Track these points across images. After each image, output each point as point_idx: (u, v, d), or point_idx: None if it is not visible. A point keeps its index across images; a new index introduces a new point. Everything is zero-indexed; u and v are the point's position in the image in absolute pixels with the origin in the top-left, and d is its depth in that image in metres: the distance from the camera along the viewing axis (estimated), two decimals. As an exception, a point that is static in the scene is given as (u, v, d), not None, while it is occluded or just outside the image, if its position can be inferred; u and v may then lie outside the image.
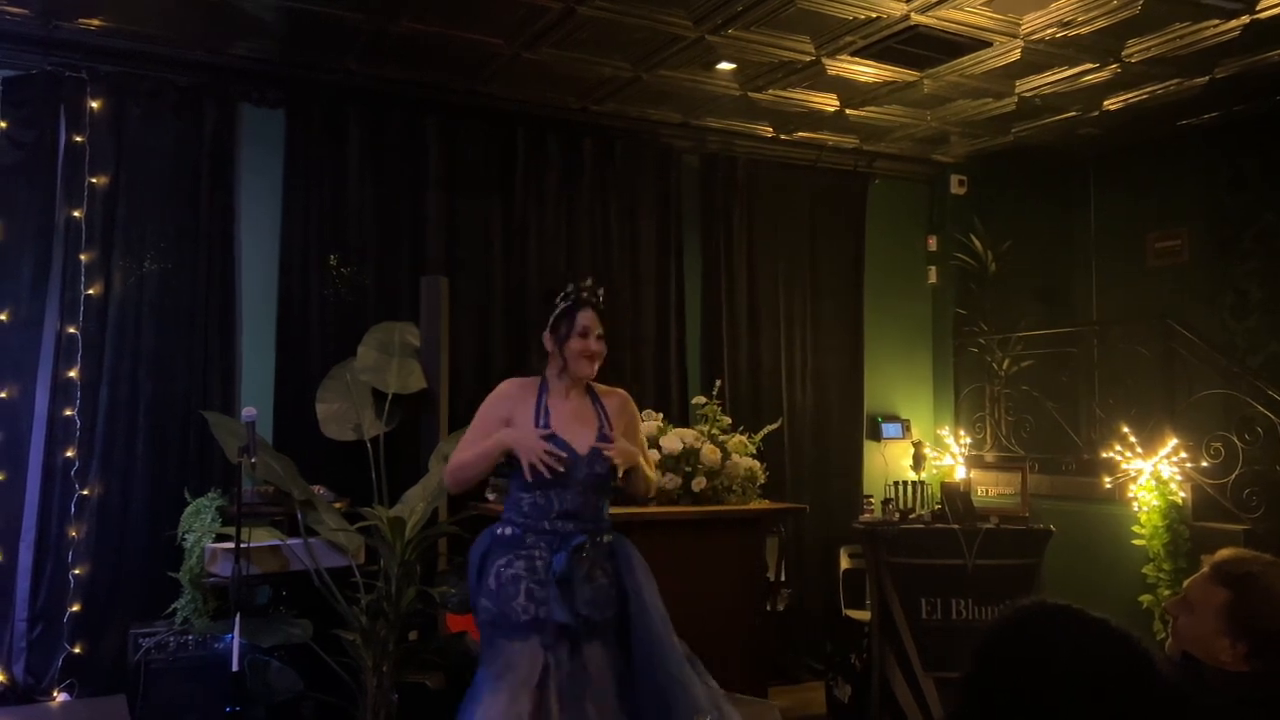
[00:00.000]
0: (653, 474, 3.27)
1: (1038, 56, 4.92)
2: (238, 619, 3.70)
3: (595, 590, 2.97)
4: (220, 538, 4.47)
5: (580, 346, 3.07)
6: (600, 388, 3.23)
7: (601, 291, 3.17)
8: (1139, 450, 5.48)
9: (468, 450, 3.05)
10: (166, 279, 4.92)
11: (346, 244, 5.32)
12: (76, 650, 4.60)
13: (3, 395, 4.58)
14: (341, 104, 5.32)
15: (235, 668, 3.77)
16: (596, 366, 3.12)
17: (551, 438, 2.97)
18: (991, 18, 4.51)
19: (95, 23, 4.61)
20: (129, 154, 4.86)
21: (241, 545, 3.80)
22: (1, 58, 4.68)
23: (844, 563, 5.77)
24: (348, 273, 5.22)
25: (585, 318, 3.08)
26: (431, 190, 5.50)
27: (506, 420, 3.06)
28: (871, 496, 5.77)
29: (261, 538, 4.38)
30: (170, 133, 4.96)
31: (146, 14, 4.56)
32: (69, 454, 4.67)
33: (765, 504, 5.21)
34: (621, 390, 3.31)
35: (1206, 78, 5.16)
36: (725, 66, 5.10)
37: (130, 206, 4.86)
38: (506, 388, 3.16)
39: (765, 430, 5.36)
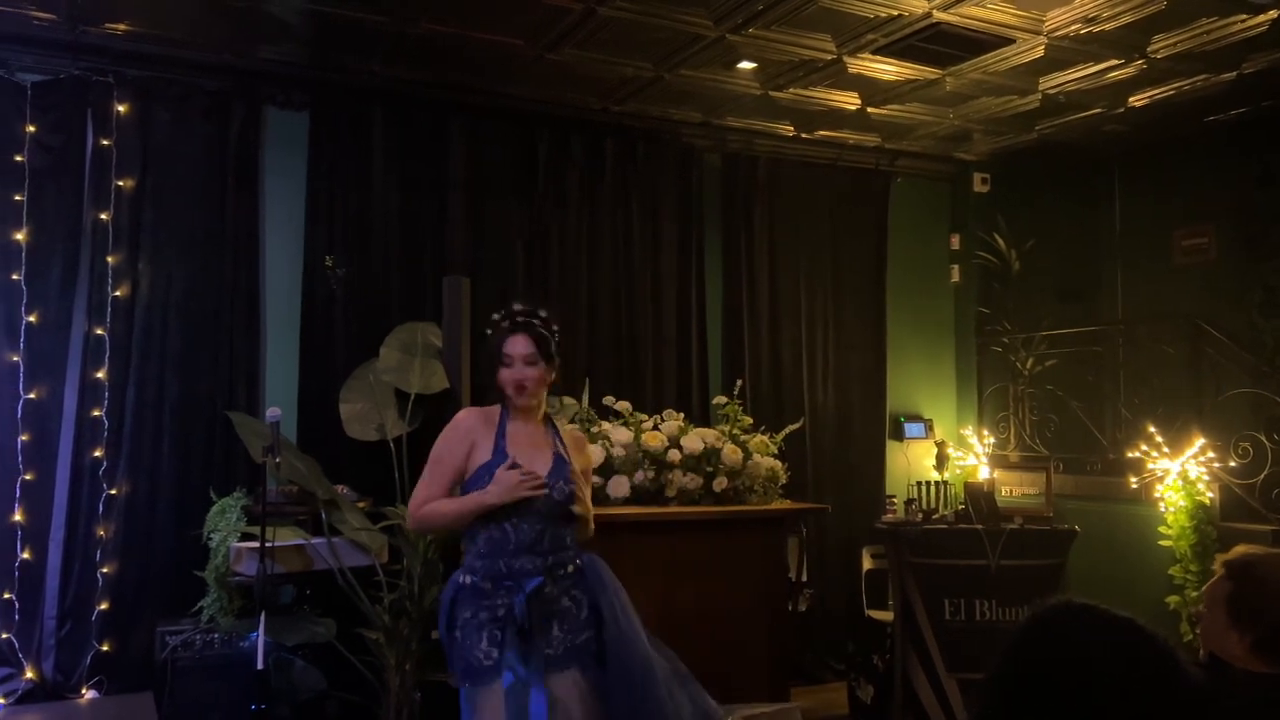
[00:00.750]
0: (590, 527, 3.08)
1: (1062, 53, 4.88)
2: (262, 617, 3.73)
3: (564, 618, 2.88)
4: (245, 537, 4.51)
5: (508, 376, 2.95)
6: (560, 422, 3.13)
7: (542, 314, 3.02)
8: (1165, 450, 5.43)
9: (447, 507, 2.92)
10: (192, 281, 4.97)
11: (370, 245, 5.35)
12: (104, 648, 4.65)
13: (32, 396, 4.64)
14: (365, 106, 5.35)
15: (260, 666, 3.81)
16: (532, 395, 2.96)
17: (515, 466, 2.87)
18: (1015, 14, 4.48)
19: (121, 27, 4.66)
20: (155, 157, 4.92)
21: (266, 544, 3.83)
22: (30, 63, 4.74)
23: (866, 563, 5.75)
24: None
25: (513, 344, 2.95)
26: (454, 191, 5.52)
27: (468, 454, 2.94)
28: (894, 497, 5.74)
29: (286, 537, 4.42)
30: (196, 136, 5.01)
31: (172, 19, 4.61)
32: (97, 454, 4.72)
33: (787, 504, 5.20)
34: (579, 432, 3.25)
35: (1234, 73, 5.10)
36: (746, 65, 5.10)
37: (156, 209, 4.91)
38: (464, 418, 3.05)
39: (787, 430, 5.34)
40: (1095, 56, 4.94)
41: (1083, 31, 4.63)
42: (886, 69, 5.13)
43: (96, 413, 4.74)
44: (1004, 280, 6.53)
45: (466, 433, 2.99)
